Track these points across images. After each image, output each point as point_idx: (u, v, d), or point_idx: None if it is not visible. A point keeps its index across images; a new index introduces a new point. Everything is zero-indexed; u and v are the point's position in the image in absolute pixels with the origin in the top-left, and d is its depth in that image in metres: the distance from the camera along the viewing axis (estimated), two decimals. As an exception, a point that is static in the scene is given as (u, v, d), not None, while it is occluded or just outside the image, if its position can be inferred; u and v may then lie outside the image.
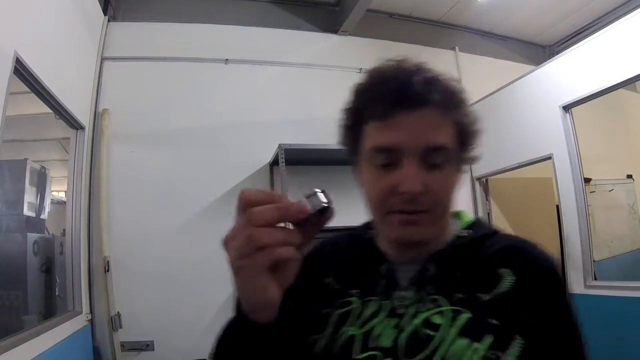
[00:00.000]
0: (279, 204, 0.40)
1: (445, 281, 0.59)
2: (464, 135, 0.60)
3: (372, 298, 0.61)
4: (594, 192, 3.41)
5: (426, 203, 0.56)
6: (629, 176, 3.88)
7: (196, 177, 3.04)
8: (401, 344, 0.55)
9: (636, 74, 2.43)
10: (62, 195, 3.64)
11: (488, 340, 0.53)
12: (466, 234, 0.64)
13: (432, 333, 0.55)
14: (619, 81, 2.53)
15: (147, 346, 2.69)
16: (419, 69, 0.58)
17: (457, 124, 0.59)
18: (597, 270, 2.81)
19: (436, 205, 0.58)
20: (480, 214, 3.76)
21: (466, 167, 0.64)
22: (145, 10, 3.31)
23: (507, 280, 0.57)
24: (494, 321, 0.54)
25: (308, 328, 0.61)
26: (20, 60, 1.83)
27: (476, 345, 0.53)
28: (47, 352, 1.93)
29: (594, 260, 2.80)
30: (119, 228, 2.83)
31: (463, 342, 0.53)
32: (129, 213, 2.87)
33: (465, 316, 0.55)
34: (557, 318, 0.57)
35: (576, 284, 2.81)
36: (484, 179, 3.80)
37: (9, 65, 1.76)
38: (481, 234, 0.64)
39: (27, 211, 2.75)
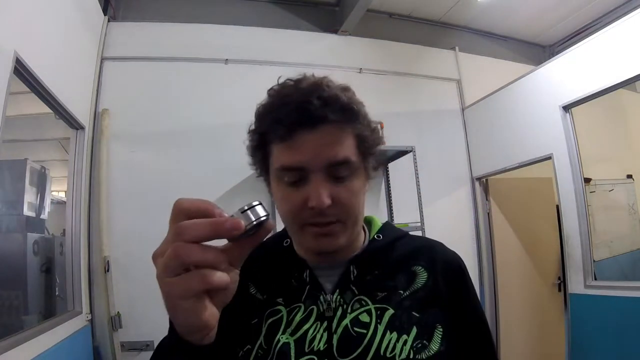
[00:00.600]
0: (213, 219, 0.35)
1: (366, 282, 0.64)
2: (366, 146, 0.64)
3: (298, 304, 0.64)
4: (594, 192, 3.41)
5: (336, 214, 0.60)
6: (629, 176, 3.88)
7: (196, 177, 3.04)
8: (335, 345, 0.59)
9: (636, 74, 2.43)
10: (62, 195, 3.65)
11: (414, 331, 0.59)
12: (379, 238, 0.70)
13: (362, 331, 0.60)
14: (619, 81, 2.53)
15: (147, 346, 2.70)
16: (316, 88, 0.60)
17: (358, 136, 0.62)
18: (597, 270, 2.81)
19: (346, 215, 0.61)
20: (480, 214, 3.76)
21: (373, 174, 0.68)
22: (145, 10, 3.31)
23: (421, 276, 0.65)
24: (416, 314, 0.61)
25: (238, 340, 0.63)
26: (20, 60, 1.83)
27: (404, 337, 0.59)
28: (47, 352, 1.93)
29: (594, 260, 2.80)
30: (119, 228, 2.83)
31: (392, 335, 0.59)
32: (129, 213, 2.87)
33: (389, 312, 0.61)
34: (466, 304, 0.66)
35: (576, 284, 2.82)
36: (484, 179, 3.80)
37: (9, 65, 1.76)
38: (393, 237, 0.70)
39: (27, 211, 2.74)
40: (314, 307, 0.63)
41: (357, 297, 0.63)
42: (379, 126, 0.67)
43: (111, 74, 3.06)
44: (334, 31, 3.74)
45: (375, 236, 0.70)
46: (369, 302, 0.62)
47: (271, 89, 0.65)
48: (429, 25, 4.20)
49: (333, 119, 0.59)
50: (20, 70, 1.89)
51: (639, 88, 4.03)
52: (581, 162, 2.87)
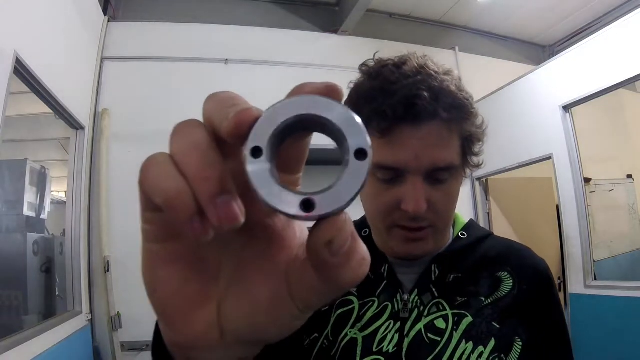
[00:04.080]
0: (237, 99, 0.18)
1: (447, 284, 0.59)
2: (470, 146, 0.59)
3: (372, 299, 0.60)
4: (594, 192, 3.40)
5: (430, 219, 0.55)
6: (629, 176, 3.87)
7: (196, 177, 3.04)
8: (405, 349, 0.55)
9: (636, 74, 2.43)
10: (62, 195, 3.64)
11: (491, 343, 0.54)
12: (464, 236, 0.65)
13: (436, 338, 0.55)
14: (619, 81, 2.53)
15: (147, 346, 2.69)
16: (424, 77, 0.53)
17: (464, 136, 0.57)
18: (597, 270, 2.81)
19: (440, 220, 0.57)
20: (480, 214, 3.76)
21: (470, 172, 0.63)
22: (145, 10, 3.32)
23: (506, 283, 0.59)
24: (496, 325, 0.55)
25: (305, 326, 0.59)
26: (20, 60, 1.83)
27: (480, 348, 0.53)
28: (47, 352, 1.93)
29: (594, 260, 2.80)
30: (119, 228, 2.83)
31: (467, 346, 0.53)
32: (129, 213, 2.85)
33: (467, 320, 0.55)
34: (549, 320, 0.59)
35: (576, 284, 2.81)
36: (484, 179, 3.79)
37: (9, 65, 1.76)
38: (477, 236, 0.65)
39: (27, 211, 2.74)
40: (389, 304, 0.58)
41: (435, 300, 0.57)
42: (484, 121, 0.61)
43: (111, 74, 3.06)
44: (334, 31, 3.74)
45: (459, 234, 0.65)
46: (447, 307, 0.57)
47: (364, 64, 0.58)
48: (429, 25, 4.20)
49: (441, 116, 0.52)
50: (20, 70, 1.89)
51: (639, 88, 4.03)
52: (581, 162, 2.87)
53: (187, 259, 0.21)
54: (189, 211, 0.17)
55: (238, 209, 0.17)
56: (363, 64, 0.59)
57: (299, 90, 0.18)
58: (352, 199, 0.16)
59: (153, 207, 0.18)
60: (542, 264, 0.63)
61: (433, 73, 0.54)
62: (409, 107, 0.51)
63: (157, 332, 0.25)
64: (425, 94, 0.51)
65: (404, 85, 0.52)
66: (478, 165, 0.62)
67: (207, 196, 0.17)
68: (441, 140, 0.54)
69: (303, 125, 0.17)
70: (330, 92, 0.18)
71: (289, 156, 0.19)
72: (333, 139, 0.17)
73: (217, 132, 0.18)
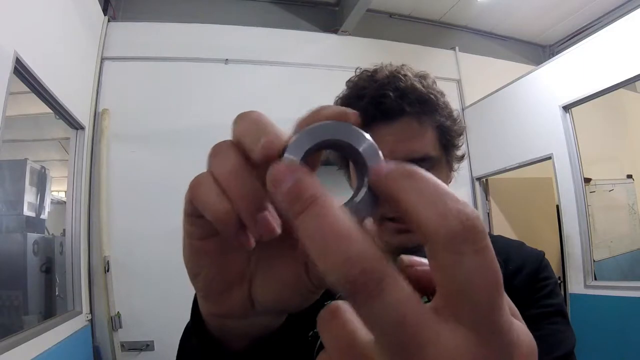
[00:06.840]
0: (268, 126, 0.22)
1: None
2: (447, 138, 0.62)
3: None
4: (594, 192, 3.40)
5: None
6: (629, 176, 3.87)
7: (196, 177, 3.04)
8: None
9: (636, 74, 2.43)
10: (62, 195, 3.64)
11: None
12: None
13: None
14: (619, 81, 2.53)
15: (147, 346, 2.69)
16: (392, 79, 0.58)
17: (438, 128, 0.61)
18: (597, 270, 2.81)
19: None
20: (480, 214, 3.76)
21: (455, 166, 0.66)
22: (145, 10, 3.32)
23: None
24: None
25: (310, 321, 0.59)
26: (20, 60, 1.83)
27: None
28: (47, 352, 1.93)
29: (594, 260, 2.80)
30: (119, 228, 2.83)
31: None
32: (129, 213, 2.87)
33: None
34: (537, 303, 0.59)
35: (576, 284, 2.82)
36: (484, 179, 3.80)
37: (9, 65, 1.76)
38: None
39: (27, 211, 2.74)
40: None
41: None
42: (460, 114, 0.64)
43: (111, 74, 3.06)
44: (334, 31, 3.74)
45: None
46: None
47: (349, 80, 0.64)
48: (429, 25, 4.20)
49: (410, 111, 0.57)
50: (20, 70, 1.89)
51: (639, 88, 4.03)
52: (581, 162, 2.87)
53: (223, 250, 0.25)
54: (234, 226, 0.21)
55: (274, 222, 0.21)
56: (348, 80, 0.64)
57: (317, 114, 0.21)
58: (376, 209, 0.20)
59: (198, 214, 0.22)
60: (530, 252, 0.64)
61: (402, 77, 0.59)
62: (378, 106, 0.57)
63: (195, 304, 0.30)
64: (391, 93, 0.57)
65: (373, 88, 0.58)
66: (461, 158, 0.66)
67: (248, 214, 0.20)
68: (413, 133, 0.58)
69: (325, 147, 0.20)
70: (344, 116, 0.21)
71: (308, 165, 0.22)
72: (352, 159, 0.20)
73: (248, 155, 0.21)
